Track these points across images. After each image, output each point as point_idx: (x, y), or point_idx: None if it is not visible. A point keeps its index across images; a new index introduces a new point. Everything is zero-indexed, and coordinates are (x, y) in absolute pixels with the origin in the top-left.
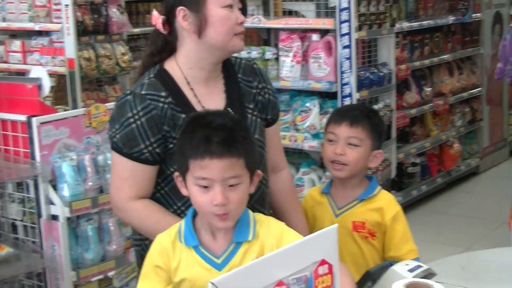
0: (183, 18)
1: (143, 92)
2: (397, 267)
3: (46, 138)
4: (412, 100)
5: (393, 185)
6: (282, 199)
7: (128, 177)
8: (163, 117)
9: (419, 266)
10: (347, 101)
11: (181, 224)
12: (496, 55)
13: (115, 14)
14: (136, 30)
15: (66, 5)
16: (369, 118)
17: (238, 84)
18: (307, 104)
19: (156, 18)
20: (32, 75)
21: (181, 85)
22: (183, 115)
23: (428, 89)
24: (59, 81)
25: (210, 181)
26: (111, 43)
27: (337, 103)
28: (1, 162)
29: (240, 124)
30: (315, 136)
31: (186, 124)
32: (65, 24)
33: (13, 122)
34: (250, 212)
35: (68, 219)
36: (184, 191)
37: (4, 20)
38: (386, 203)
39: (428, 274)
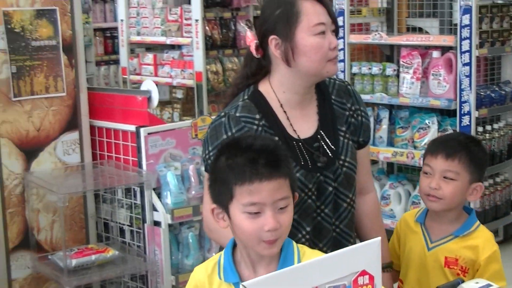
0: (275, 46)
1: (237, 114)
2: (466, 285)
3: (153, 147)
4: None
5: None
6: (367, 222)
7: None
8: None
9: (489, 285)
10: (466, 119)
11: (220, 256)
12: None
13: (243, 28)
14: None
15: (196, 20)
16: (467, 149)
17: (332, 106)
18: (426, 121)
19: (250, 40)
20: (143, 87)
21: (275, 108)
22: (276, 138)
23: None
24: (187, 93)
25: (260, 206)
26: (238, 57)
27: (456, 121)
28: (112, 169)
29: (280, 144)
30: None
31: (220, 153)
32: (195, 39)
33: (124, 132)
34: (295, 244)
35: (170, 225)
36: (222, 224)
37: (138, 34)
38: (483, 241)
39: None
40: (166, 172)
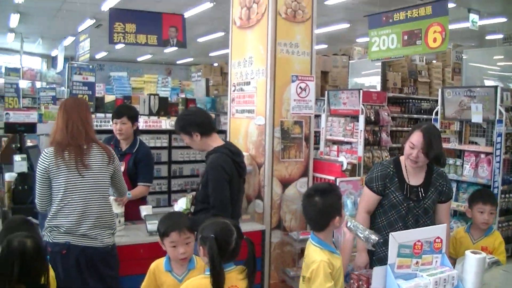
0: (404, 143)
1: (385, 164)
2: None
3: (342, 188)
4: None
5: None
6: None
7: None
8: (386, 176)
9: (493, 258)
10: (495, 190)
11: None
12: None
13: (384, 136)
14: (394, 145)
15: (361, 131)
16: (494, 198)
17: (432, 178)
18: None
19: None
20: (339, 159)
21: (402, 167)
22: (397, 179)
23: None
24: (353, 167)
25: None
26: (380, 150)
27: (491, 190)
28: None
29: None
30: None
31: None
32: (359, 139)
33: (329, 180)
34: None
35: None
36: None
37: (330, 135)
38: (498, 236)
39: (496, 261)
40: (346, 200)
